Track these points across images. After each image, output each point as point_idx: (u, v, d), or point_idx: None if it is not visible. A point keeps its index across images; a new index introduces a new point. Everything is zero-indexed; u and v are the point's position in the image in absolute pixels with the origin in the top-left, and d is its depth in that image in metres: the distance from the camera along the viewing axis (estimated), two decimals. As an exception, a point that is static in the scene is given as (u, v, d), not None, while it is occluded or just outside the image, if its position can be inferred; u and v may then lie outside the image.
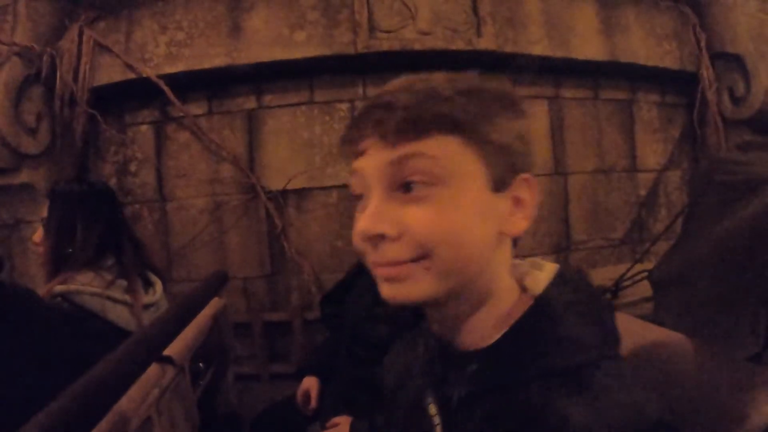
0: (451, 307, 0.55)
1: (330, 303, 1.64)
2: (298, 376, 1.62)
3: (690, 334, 0.83)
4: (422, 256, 0.50)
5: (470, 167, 0.51)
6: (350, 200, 2.57)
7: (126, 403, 0.98)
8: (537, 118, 2.81)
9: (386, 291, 0.53)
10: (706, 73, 3.10)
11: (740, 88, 3.14)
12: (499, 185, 0.53)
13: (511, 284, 0.58)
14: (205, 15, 2.56)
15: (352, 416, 1.29)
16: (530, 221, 0.56)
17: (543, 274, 0.59)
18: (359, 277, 1.55)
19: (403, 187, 0.51)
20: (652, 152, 3.14)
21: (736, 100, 3.16)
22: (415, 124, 0.50)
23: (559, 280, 0.57)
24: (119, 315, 1.37)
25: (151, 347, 1.15)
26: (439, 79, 0.53)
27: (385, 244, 0.51)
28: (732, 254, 1.19)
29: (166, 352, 1.25)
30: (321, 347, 1.72)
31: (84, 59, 2.63)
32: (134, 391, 1.02)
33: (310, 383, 1.57)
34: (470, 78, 0.55)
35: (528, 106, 0.58)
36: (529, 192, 0.55)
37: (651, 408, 0.46)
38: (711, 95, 3.11)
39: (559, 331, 0.52)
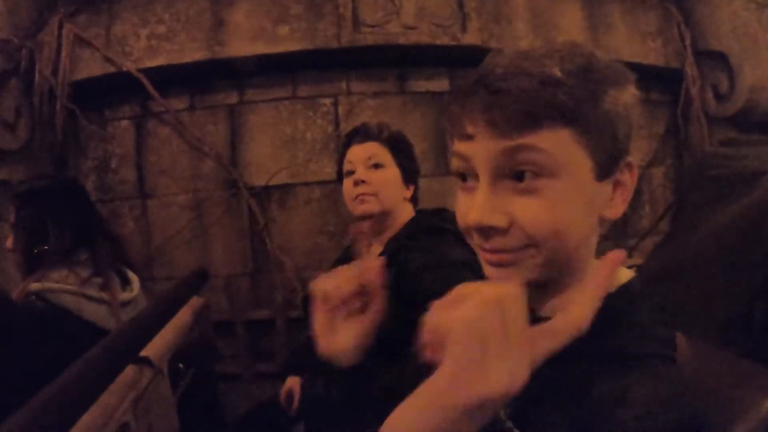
0: (548, 287, 0.58)
1: (311, 301, 1.61)
2: (282, 376, 1.60)
3: (682, 329, 0.82)
4: (529, 245, 0.53)
5: (579, 159, 0.52)
6: (333, 197, 2.56)
7: (100, 407, 0.94)
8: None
9: (492, 273, 0.56)
10: (691, 70, 3.11)
11: (724, 86, 3.15)
12: (603, 173, 0.54)
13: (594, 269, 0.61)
14: (187, 8, 2.51)
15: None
16: (627, 204, 0.57)
17: (624, 269, 0.61)
18: None
19: (513, 176, 0.52)
20: (636, 149, 3.13)
21: (720, 98, 3.18)
22: (529, 115, 0.50)
23: (639, 278, 0.61)
24: (96, 313, 1.34)
25: (126, 348, 1.12)
26: (548, 59, 0.52)
27: (495, 235, 0.53)
28: (725, 249, 1.18)
29: (144, 353, 1.22)
30: (303, 345, 1.69)
31: (63, 53, 2.57)
32: (109, 395, 0.98)
33: (294, 383, 1.55)
34: (578, 53, 0.53)
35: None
36: (629, 175, 0.57)
37: (695, 409, 0.50)
38: (695, 92, 3.13)
39: (636, 319, 0.56)
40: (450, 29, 2.51)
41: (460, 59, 2.57)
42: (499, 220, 0.52)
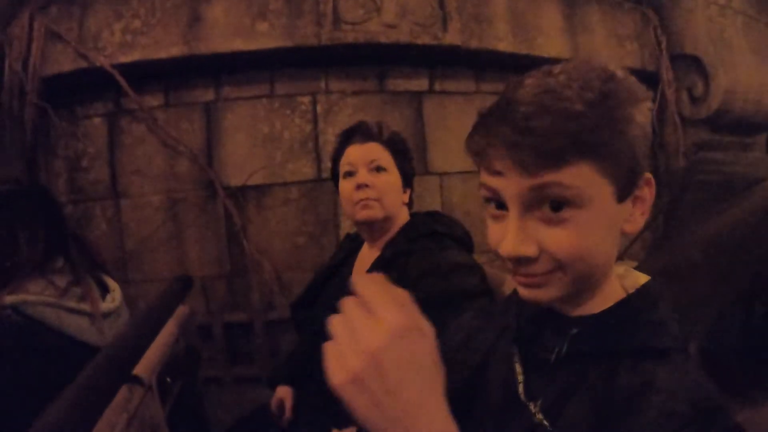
0: (574, 295, 0.62)
1: (301, 307, 1.56)
2: (270, 386, 1.55)
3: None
4: (558, 269, 0.57)
5: (602, 188, 0.55)
6: (312, 197, 2.53)
7: None
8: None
9: (524, 293, 0.60)
10: (666, 73, 3.18)
11: (699, 89, 3.22)
12: (624, 195, 0.57)
13: (615, 280, 0.65)
14: (163, 2, 2.44)
15: (336, 426, 1.23)
16: (647, 217, 0.60)
17: (640, 274, 0.66)
18: (331, 278, 1.49)
19: (541, 207, 0.55)
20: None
21: (694, 100, 3.24)
22: (555, 153, 0.52)
23: (655, 280, 0.65)
24: (76, 325, 1.27)
25: (119, 368, 1.06)
26: (568, 90, 0.54)
27: (527, 262, 0.57)
28: (721, 253, 1.19)
29: (135, 371, 1.16)
30: (293, 354, 1.65)
31: (34, 47, 2.49)
32: (104, 420, 0.92)
33: (284, 393, 1.49)
34: (596, 77, 0.55)
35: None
36: (647, 190, 0.59)
37: (717, 395, 0.53)
38: (670, 95, 3.20)
39: (655, 316, 0.60)
40: (431, 29, 2.50)
41: (441, 59, 2.57)
42: (529, 250, 0.56)
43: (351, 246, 1.51)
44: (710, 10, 3.35)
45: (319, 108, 2.54)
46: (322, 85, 2.55)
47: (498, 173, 0.57)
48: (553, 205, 0.54)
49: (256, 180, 2.51)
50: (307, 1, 2.41)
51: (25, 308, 1.20)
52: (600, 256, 0.58)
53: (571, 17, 2.91)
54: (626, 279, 0.66)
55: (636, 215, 0.59)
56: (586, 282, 0.60)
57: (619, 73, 0.56)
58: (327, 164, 2.52)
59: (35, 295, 1.22)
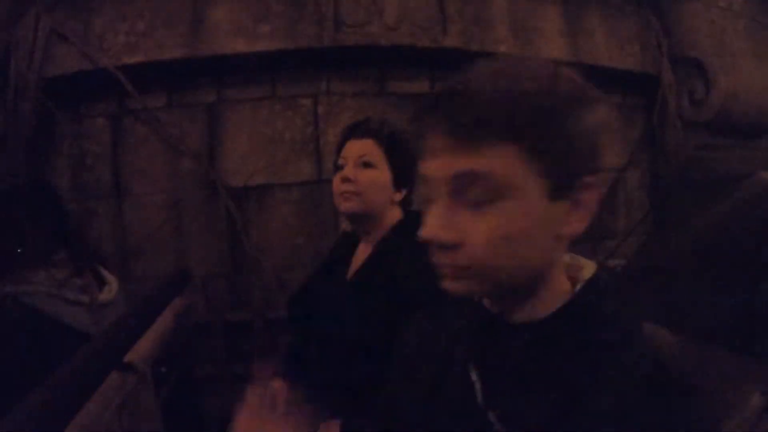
0: (506, 295, 0.61)
1: (297, 304, 1.58)
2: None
3: (670, 327, 0.83)
4: (479, 261, 0.54)
5: (530, 180, 0.53)
6: (312, 198, 2.55)
7: (84, 416, 0.91)
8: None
9: (446, 284, 0.58)
10: (667, 76, 3.18)
11: (699, 92, 3.22)
12: (558, 193, 0.54)
13: (562, 271, 0.63)
14: (167, 4, 2.47)
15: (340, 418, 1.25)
16: (588, 223, 0.57)
17: (588, 265, 0.64)
18: (328, 275, 1.51)
19: (466, 195, 0.54)
20: (613, 152, 3.19)
21: (695, 103, 3.24)
22: (486, 129, 0.51)
23: (603, 271, 0.63)
24: (74, 316, 1.31)
25: (110, 354, 1.09)
26: (514, 78, 0.53)
27: (447, 250, 0.55)
28: (714, 248, 1.20)
29: (127, 357, 1.19)
30: (287, 349, 1.67)
31: (40, 48, 2.51)
32: (93, 403, 0.95)
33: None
34: (546, 73, 0.55)
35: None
36: (589, 195, 0.56)
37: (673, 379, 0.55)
38: (671, 98, 3.19)
39: (604, 313, 0.59)
40: (431, 31, 2.51)
41: (441, 61, 2.58)
42: (450, 238, 0.54)
43: (347, 243, 1.53)
44: (711, 12, 3.35)
45: (320, 109, 2.56)
46: (324, 86, 2.57)
47: (431, 154, 0.56)
48: (479, 193, 0.53)
49: (257, 180, 2.54)
50: (309, 3, 2.43)
51: (24, 298, 1.23)
52: (525, 253, 0.55)
53: (571, 20, 2.91)
54: (572, 270, 0.64)
55: (574, 219, 0.56)
56: (513, 280, 0.57)
57: (569, 72, 0.56)
58: (328, 165, 2.54)
59: (35, 286, 1.25)
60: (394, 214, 1.39)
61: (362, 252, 1.41)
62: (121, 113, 2.61)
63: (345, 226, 1.57)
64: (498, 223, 0.53)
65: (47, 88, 2.52)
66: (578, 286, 0.61)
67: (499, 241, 0.53)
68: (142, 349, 1.28)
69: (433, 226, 0.55)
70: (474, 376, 0.63)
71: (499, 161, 0.52)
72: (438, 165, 0.55)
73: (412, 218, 1.37)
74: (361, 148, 1.35)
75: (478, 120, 0.51)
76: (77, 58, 2.49)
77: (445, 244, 0.55)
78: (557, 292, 0.60)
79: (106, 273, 1.50)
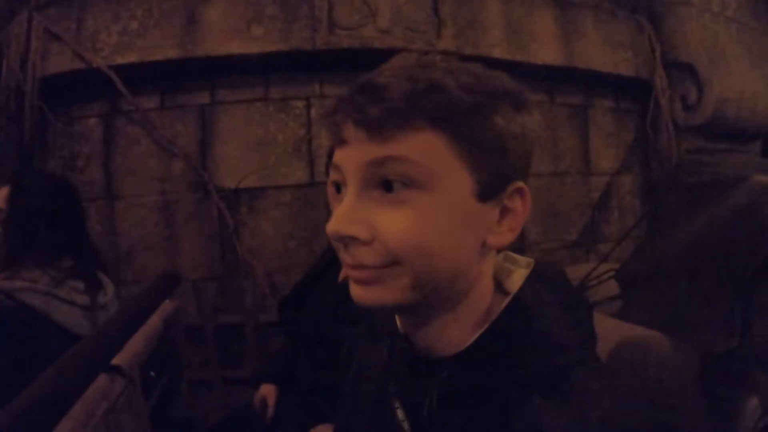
0: (423, 312, 0.54)
1: (289, 307, 1.58)
2: (255, 384, 1.57)
3: (663, 331, 0.83)
4: (393, 262, 0.48)
5: (456, 173, 0.48)
6: (304, 200, 2.54)
7: (70, 420, 0.89)
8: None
9: (355, 292, 0.52)
10: (660, 80, 3.20)
11: (692, 96, 3.24)
12: (486, 194, 0.49)
13: (489, 285, 0.56)
14: (161, 4, 2.45)
15: (318, 423, 1.24)
16: (517, 233, 0.52)
17: (518, 271, 0.57)
18: (319, 278, 1.50)
19: (381, 186, 0.48)
20: (606, 156, 3.21)
21: (688, 108, 3.26)
22: (402, 117, 0.46)
23: (534, 277, 0.56)
24: (67, 316, 1.29)
25: (97, 357, 1.07)
26: (439, 69, 0.48)
27: (356, 247, 0.49)
28: (706, 252, 1.20)
29: (115, 361, 1.17)
30: (278, 353, 1.66)
31: (33, 47, 2.50)
32: (80, 407, 0.93)
33: (267, 391, 1.51)
34: (473, 70, 0.50)
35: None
36: (520, 202, 0.52)
37: (634, 417, 0.46)
38: (664, 102, 3.21)
39: (534, 332, 0.52)
40: (425, 34, 2.52)
41: (435, 65, 2.57)
42: (359, 231, 0.48)
43: None
44: (704, 17, 3.37)
45: (313, 112, 2.56)
46: (317, 89, 2.57)
47: (344, 143, 0.50)
48: (394, 181, 0.47)
49: (250, 183, 2.53)
50: (303, 6, 2.43)
51: (18, 294, 1.22)
52: (447, 257, 0.49)
53: (565, 24, 2.92)
54: (503, 275, 0.58)
55: (503, 228, 0.52)
56: (433, 291, 0.50)
57: (507, 78, 0.52)
58: (320, 168, 2.53)
59: (28, 282, 1.24)
60: None
61: None
62: (114, 114, 2.59)
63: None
64: (416, 216, 0.47)
65: (39, 88, 2.50)
66: (504, 303, 0.54)
67: (416, 236, 0.47)
68: (130, 352, 1.26)
69: (341, 219, 0.48)
70: (401, 415, 0.57)
71: (418, 147, 0.47)
72: (352, 153, 0.49)
73: None
74: None
75: (394, 106, 0.46)
76: (70, 57, 2.47)
77: (355, 238, 0.48)
78: (480, 312, 0.54)
79: (102, 276, 1.49)
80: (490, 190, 0.50)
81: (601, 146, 3.19)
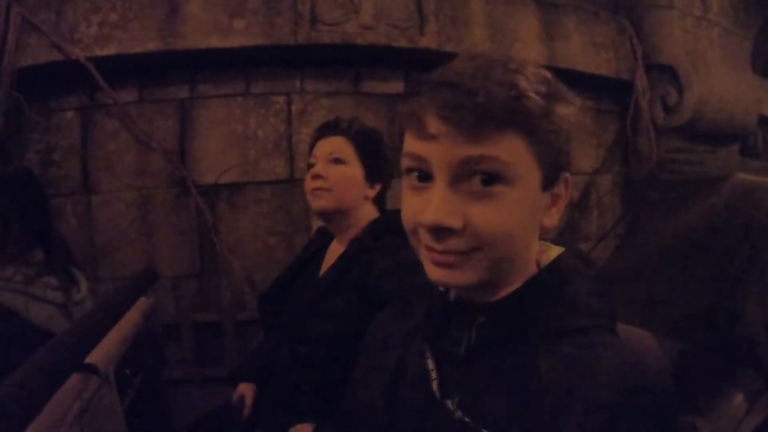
0: (484, 287, 0.60)
1: (268, 301, 1.56)
2: (233, 382, 1.55)
3: (646, 328, 0.83)
4: (477, 248, 0.54)
5: (532, 170, 0.55)
6: (284, 197, 2.52)
7: (42, 421, 0.87)
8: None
9: (437, 274, 0.57)
10: (641, 82, 3.23)
11: (673, 98, 3.28)
12: (546, 185, 0.57)
13: (532, 260, 0.63)
14: (141, -4, 2.42)
15: (298, 422, 1.23)
16: (561, 215, 0.61)
17: (553, 249, 0.65)
18: (298, 273, 1.49)
19: (472, 180, 0.54)
20: (586, 156, 3.24)
21: (668, 109, 3.30)
22: (494, 119, 0.51)
23: (569, 252, 0.65)
24: (41, 314, 1.26)
25: (70, 355, 1.04)
26: (511, 70, 0.54)
27: (448, 236, 0.54)
28: (687, 250, 1.21)
29: (89, 359, 1.15)
30: (256, 351, 1.64)
31: (10, 37, 2.44)
32: (51, 408, 0.90)
33: (245, 389, 1.49)
34: (537, 71, 0.56)
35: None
36: (565, 189, 0.61)
37: (644, 372, 0.52)
38: (644, 103, 3.24)
39: (567, 294, 0.59)
40: (408, 31, 2.51)
41: (416, 62, 2.57)
42: (455, 222, 0.53)
43: (322, 240, 1.52)
44: (686, 21, 3.41)
45: (293, 108, 2.54)
46: (298, 84, 2.55)
47: (431, 137, 0.54)
48: (485, 178, 0.53)
49: (229, 178, 2.50)
50: (285, 0, 2.40)
51: None
52: (520, 241, 0.57)
53: (547, 24, 2.94)
54: (541, 255, 0.64)
55: (553, 211, 0.60)
56: (503, 267, 0.58)
57: (553, 76, 0.58)
58: (300, 164, 2.52)
59: (2, 281, 1.21)
60: (368, 212, 1.38)
61: (335, 250, 1.40)
62: (92, 107, 2.54)
63: (319, 224, 1.55)
64: (504, 208, 0.53)
65: (17, 80, 2.45)
66: (540, 267, 0.62)
67: (504, 226, 0.54)
68: (104, 350, 1.23)
69: (439, 211, 0.53)
70: (430, 365, 0.63)
71: (507, 147, 0.53)
72: (441, 149, 0.54)
73: (389, 218, 1.37)
74: (331, 145, 1.35)
75: (491, 111, 0.51)
76: (48, 48, 2.42)
77: (450, 228, 0.54)
78: (523, 277, 0.61)
79: (76, 272, 1.46)
80: (549, 181, 0.57)
81: (581, 146, 3.21)
